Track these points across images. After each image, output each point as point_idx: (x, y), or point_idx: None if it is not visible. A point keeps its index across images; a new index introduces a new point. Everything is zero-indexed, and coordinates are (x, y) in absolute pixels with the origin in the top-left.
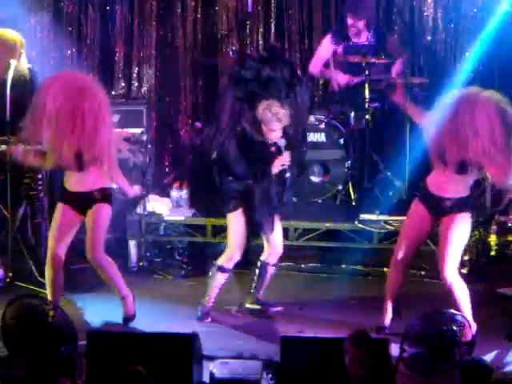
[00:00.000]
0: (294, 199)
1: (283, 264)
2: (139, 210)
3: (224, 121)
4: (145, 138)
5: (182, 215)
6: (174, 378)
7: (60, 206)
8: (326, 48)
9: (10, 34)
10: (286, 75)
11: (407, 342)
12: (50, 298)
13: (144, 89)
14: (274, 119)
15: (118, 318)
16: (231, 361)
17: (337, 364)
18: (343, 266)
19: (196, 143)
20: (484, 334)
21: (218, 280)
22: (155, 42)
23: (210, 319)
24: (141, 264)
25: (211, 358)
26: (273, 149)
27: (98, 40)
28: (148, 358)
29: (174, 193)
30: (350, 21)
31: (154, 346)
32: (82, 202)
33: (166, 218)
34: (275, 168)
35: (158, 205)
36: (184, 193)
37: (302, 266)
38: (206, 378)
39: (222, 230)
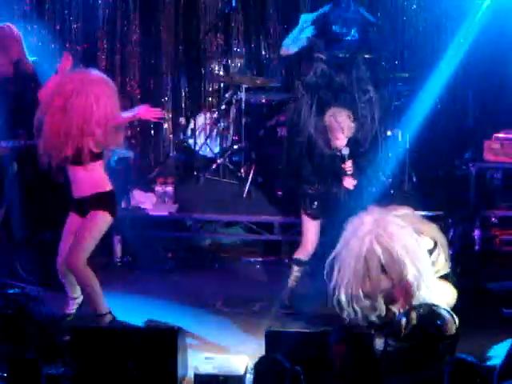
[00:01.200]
0: None
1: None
2: (124, 204)
3: (293, 124)
4: (129, 133)
5: (166, 210)
6: (159, 372)
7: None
8: None
9: (10, 28)
10: (359, 85)
11: (391, 336)
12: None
13: (128, 84)
14: (339, 128)
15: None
16: (216, 356)
17: (321, 358)
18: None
19: (180, 138)
20: (468, 328)
21: (294, 273)
22: (138, 37)
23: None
24: (125, 259)
25: (196, 353)
26: (337, 157)
27: (82, 35)
28: (132, 353)
29: (159, 188)
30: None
31: (138, 341)
32: (81, 207)
33: (150, 213)
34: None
35: (142, 200)
36: (168, 188)
37: (286, 260)
38: (190, 373)
39: (205, 224)
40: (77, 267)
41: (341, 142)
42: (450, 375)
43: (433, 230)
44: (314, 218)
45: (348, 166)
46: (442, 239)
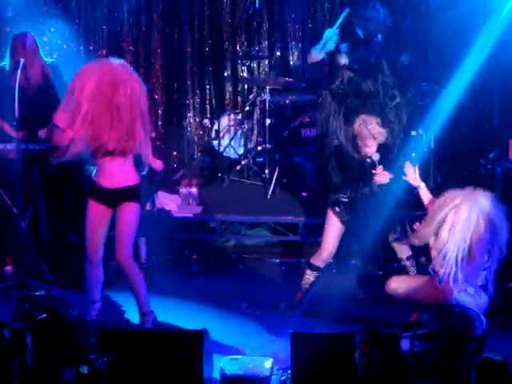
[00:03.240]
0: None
1: (293, 260)
2: (148, 206)
3: (322, 134)
4: (153, 135)
5: (191, 212)
6: (185, 374)
7: (90, 203)
8: None
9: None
10: (386, 91)
11: (418, 337)
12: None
13: (150, 86)
14: (370, 136)
15: (131, 314)
16: (242, 357)
17: (347, 360)
18: (353, 261)
19: (204, 140)
20: (494, 329)
21: (307, 276)
22: (161, 39)
23: (295, 313)
24: (150, 261)
25: (222, 355)
26: (367, 163)
27: (106, 37)
28: (159, 355)
29: (183, 189)
30: None
31: (164, 343)
32: (111, 198)
33: (175, 215)
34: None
35: (167, 201)
36: (193, 189)
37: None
38: (216, 374)
39: (229, 226)
40: (127, 261)
41: (371, 148)
42: (479, 374)
43: None
44: (342, 224)
45: (379, 171)
46: None
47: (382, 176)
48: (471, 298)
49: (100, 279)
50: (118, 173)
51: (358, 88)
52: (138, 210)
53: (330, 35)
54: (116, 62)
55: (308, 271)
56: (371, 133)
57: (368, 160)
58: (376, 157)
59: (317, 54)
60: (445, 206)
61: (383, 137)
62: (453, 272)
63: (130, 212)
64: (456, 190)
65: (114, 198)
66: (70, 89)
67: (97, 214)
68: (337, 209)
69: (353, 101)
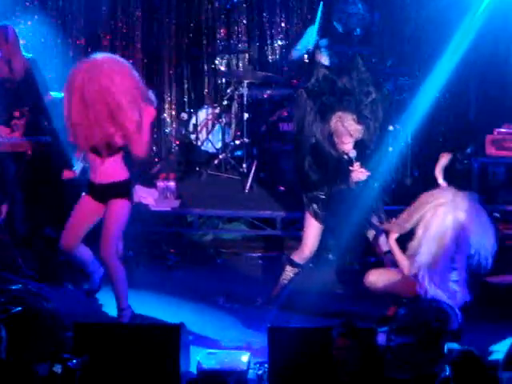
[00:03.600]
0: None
1: (271, 254)
2: None
3: (298, 131)
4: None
5: (169, 206)
6: (162, 368)
7: (83, 197)
8: None
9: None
10: (361, 88)
11: (394, 331)
12: None
13: None
14: (346, 133)
15: (108, 309)
16: (218, 351)
17: (324, 354)
18: (330, 256)
19: (182, 133)
20: (470, 323)
21: (287, 272)
22: (140, 32)
23: (272, 308)
24: (127, 254)
25: (199, 349)
26: (344, 160)
27: (83, 30)
28: (136, 349)
29: (161, 183)
30: None
31: (141, 337)
32: (101, 194)
33: (152, 209)
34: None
35: (144, 195)
36: (170, 183)
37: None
38: (193, 368)
39: (207, 220)
40: (111, 257)
41: (348, 145)
42: (455, 366)
43: None
44: (321, 221)
45: (356, 168)
46: None
47: (359, 173)
48: (446, 292)
49: (90, 255)
50: (105, 168)
51: (333, 85)
52: (127, 206)
53: (311, 33)
54: (91, 58)
55: (288, 267)
56: (347, 130)
57: (345, 157)
58: (353, 154)
59: (298, 53)
60: (426, 204)
61: (360, 133)
62: (425, 269)
63: (117, 208)
64: (443, 189)
65: (104, 193)
66: None
67: (88, 208)
68: (315, 206)
69: (328, 98)
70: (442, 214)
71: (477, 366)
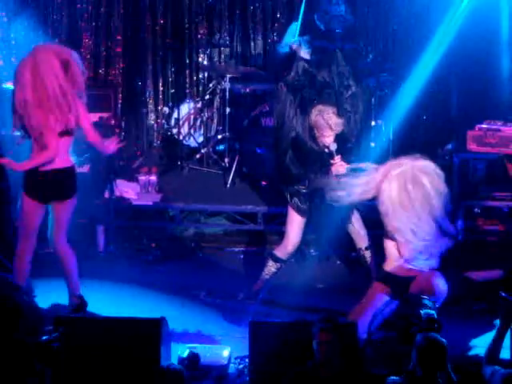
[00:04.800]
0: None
1: (252, 249)
2: (107, 194)
3: (279, 125)
4: (112, 122)
5: (151, 200)
6: (143, 363)
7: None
8: None
9: None
10: (341, 81)
11: (374, 326)
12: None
13: (111, 73)
14: (327, 126)
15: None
16: (199, 346)
17: (305, 348)
18: (311, 250)
19: (163, 128)
20: (450, 318)
21: (269, 267)
22: (121, 26)
23: (253, 302)
24: (108, 249)
25: (180, 343)
26: (325, 154)
27: (65, 24)
28: (116, 343)
29: (142, 177)
30: None
31: (122, 331)
32: (47, 181)
33: (134, 203)
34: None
35: (126, 189)
36: (152, 177)
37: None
38: (174, 362)
39: (189, 214)
40: (63, 245)
41: (329, 138)
42: (419, 351)
43: None
44: (304, 215)
45: (337, 161)
46: None
47: (339, 166)
48: (424, 261)
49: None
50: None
51: (313, 79)
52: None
53: (294, 29)
54: (36, 46)
55: (271, 262)
56: (328, 123)
57: (326, 150)
58: (333, 147)
59: (282, 50)
60: (382, 175)
61: (340, 127)
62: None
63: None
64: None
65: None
66: None
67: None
68: (296, 200)
69: (308, 92)
70: (396, 180)
71: (439, 349)
